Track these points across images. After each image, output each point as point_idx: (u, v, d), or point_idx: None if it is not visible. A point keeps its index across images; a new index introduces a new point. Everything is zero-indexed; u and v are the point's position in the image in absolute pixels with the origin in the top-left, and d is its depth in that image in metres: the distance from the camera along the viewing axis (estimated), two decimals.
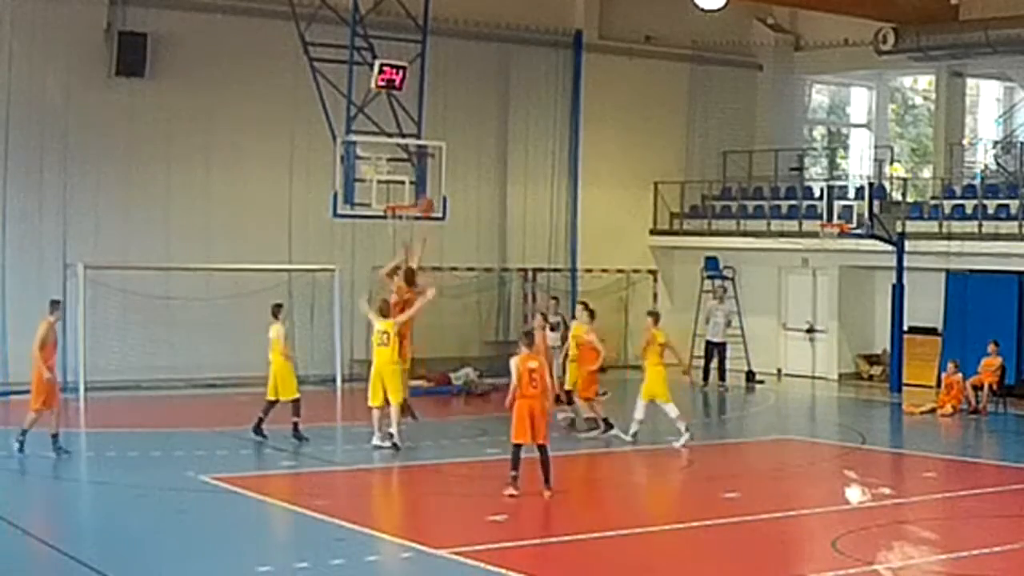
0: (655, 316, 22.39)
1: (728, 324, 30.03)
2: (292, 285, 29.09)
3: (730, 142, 35.14)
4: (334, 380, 28.47)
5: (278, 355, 20.94)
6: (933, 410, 26.01)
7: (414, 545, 14.44)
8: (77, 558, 14.15)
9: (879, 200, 29.53)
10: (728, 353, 29.97)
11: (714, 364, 29.95)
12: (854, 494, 18.34)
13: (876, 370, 31.46)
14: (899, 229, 29.31)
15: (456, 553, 14.04)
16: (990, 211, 28.99)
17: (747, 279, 32.98)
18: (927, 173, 36.08)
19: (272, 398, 20.98)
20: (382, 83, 24.65)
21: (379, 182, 24.37)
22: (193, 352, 27.70)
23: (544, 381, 17.28)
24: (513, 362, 17.24)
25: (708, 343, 29.81)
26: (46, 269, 27.04)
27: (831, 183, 30.79)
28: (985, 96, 37.42)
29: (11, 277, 26.87)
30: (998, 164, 32.56)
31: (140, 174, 28.11)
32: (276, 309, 21.33)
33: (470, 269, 31.70)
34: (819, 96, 39.83)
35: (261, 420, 20.98)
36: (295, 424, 20.92)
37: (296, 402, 20.94)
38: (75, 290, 26.39)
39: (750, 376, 31.12)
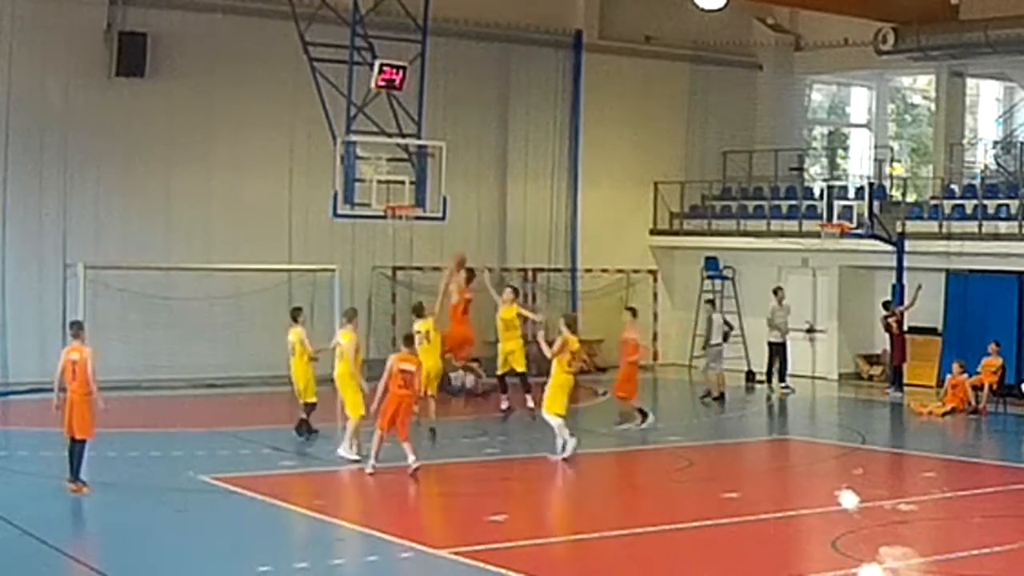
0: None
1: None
2: (292, 285, 29.08)
3: (730, 142, 35.12)
4: (334, 380, 28.39)
5: (298, 358, 21.21)
6: (953, 410, 25.95)
7: (414, 545, 14.43)
8: (77, 558, 14.17)
9: (879, 200, 29.54)
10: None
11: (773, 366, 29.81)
12: (854, 494, 18.33)
13: (876, 370, 31.46)
14: (899, 229, 29.30)
15: (456, 553, 14.05)
16: (990, 211, 28.97)
17: (747, 279, 32.98)
18: (927, 173, 36.08)
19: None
20: (382, 83, 24.66)
21: (379, 182, 24.41)
22: (193, 352, 27.68)
23: None
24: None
25: (771, 344, 29.66)
26: (46, 269, 27.07)
27: (831, 183, 30.79)
28: (985, 96, 37.42)
29: (11, 277, 26.87)
30: (998, 164, 32.54)
31: (140, 174, 28.11)
32: (295, 313, 21.76)
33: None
34: (819, 96, 39.83)
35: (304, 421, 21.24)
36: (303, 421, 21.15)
37: (311, 406, 21.21)
38: (75, 290, 26.39)
39: (750, 376, 31.12)
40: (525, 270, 32.54)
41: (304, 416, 21.32)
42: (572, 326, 20.50)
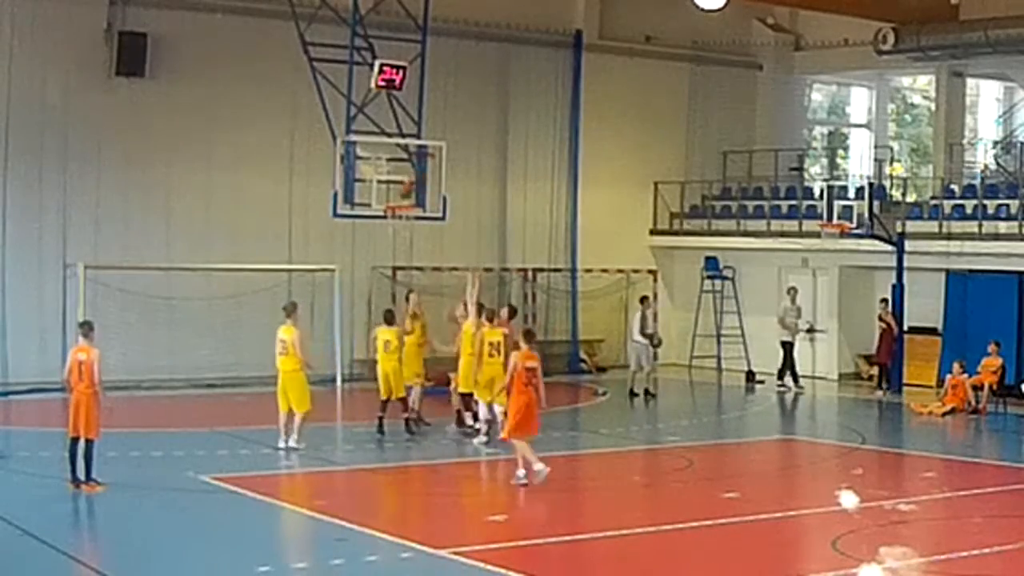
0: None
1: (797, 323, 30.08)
2: (292, 285, 29.07)
3: (730, 142, 35.11)
4: (334, 380, 28.45)
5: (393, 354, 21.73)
6: (953, 410, 25.94)
7: (414, 545, 14.44)
8: (77, 558, 14.18)
9: (879, 200, 29.52)
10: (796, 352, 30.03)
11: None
12: (854, 494, 18.34)
13: (876, 370, 31.41)
14: (899, 229, 29.30)
15: (456, 553, 14.05)
16: (990, 211, 28.96)
17: (747, 279, 32.99)
18: (927, 173, 36.09)
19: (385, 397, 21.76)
20: (382, 83, 24.65)
21: (379, 182, 24.39)
22: (193, 352, 27.69)
23: None
24: None
25: (783, 343, 29.77)
26: (46, 269, 27.05)
27: (831, 183, 30.78)
28: (985, 96, 37.41)
29: (11, 277, 26.86)
30: (998, 164, 32.55)
31: (140, 174, 28.10)
32: (388, 315, 22.32)
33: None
34: (819, 96, 39.82)
35: (381, 419, 21.69)
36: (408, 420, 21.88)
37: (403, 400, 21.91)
38: (75, 290, 26.39)
39: (750, 376, 31.14)
40: (525, 270, 32.54)
41: (408, 415, 21.87)
42: (491, 320, 21.27)
